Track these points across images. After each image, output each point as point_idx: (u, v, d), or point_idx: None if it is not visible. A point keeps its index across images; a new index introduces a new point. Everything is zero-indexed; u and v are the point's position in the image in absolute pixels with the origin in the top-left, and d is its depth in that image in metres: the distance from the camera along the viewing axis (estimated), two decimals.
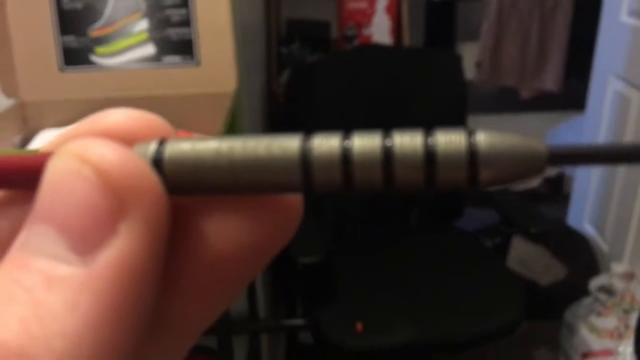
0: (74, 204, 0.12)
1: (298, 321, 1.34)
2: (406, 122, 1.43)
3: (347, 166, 0.12)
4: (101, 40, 0.96)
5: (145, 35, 0.95)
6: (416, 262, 1.33)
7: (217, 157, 0.13)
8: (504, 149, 0.12)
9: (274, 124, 1.55)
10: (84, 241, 0.11)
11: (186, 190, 0.13)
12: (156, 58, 0.95)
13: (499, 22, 2.19)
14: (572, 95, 2.08)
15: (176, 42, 0.94)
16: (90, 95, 0.96)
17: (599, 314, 1.37)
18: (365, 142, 0.12)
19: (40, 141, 0.93)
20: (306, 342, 1.41)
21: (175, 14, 0.93)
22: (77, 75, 0.96)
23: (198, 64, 0.94)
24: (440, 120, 1.44)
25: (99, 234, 0.11)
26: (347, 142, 0.13)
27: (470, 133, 0.12)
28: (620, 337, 1.31)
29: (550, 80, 2.21)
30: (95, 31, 0.96)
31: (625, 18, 1.50)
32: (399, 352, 1.12)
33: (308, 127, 1.39)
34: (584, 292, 1.44)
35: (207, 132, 0.72)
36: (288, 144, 0.13)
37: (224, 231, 0.13)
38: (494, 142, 0.12)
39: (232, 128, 0.88)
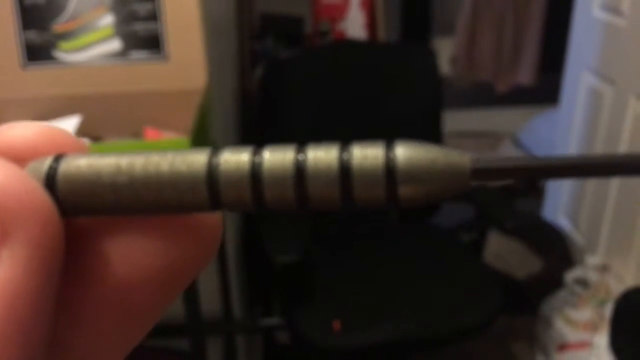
0: None
1: (275, 321, 1.33)
2: (381, 118, 1.42)
3: (256, 184, 0.12)
4: (65, 36, 0.93)
5: (110, 30, 0.92)
6: (394, 259, 1.32)
7: (116, 174, 0.12)
8: (424, 164, 0.12)
9: (248, 121, 1.52)
10: None
11: (83, 210, 0.12)
12: (122, 53, 0.92)
13: (474, 16, 2.19)
14: (546, 89, 2.10)
15: (143, 37, 0.92)
16: (54, 92, 0.93)
17: (574, 306, 1.38)
18: (276, 157, 0.12)
19: None
20: (283, 343, 1.39)
21: (142, 8, 0.91)
22: (40, 72, 0.93)
23: (166, 59, 0.92)
24: (416, 116, 1.43)
25: None
26: (257, 157, 0.12)
27: (389, 147, 0.12)
28: (595, 328, 1.32)
29: (525, 74, 2.22)
30: (58, 26, 0.93)
31: (598, 12, 1.51)
32: (377, 350, 1.11)
33: (282, 123, 1.38)
34: (559, 284, 1.45)
35: (177, 129, 0.69)
36: (194, 159, 0.12)
37: (130, 254, 0.12)
38: (413, 156, 0.12)
39: (202, 125, 0.86)
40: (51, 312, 0.11)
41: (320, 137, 1.40)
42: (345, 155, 0.12)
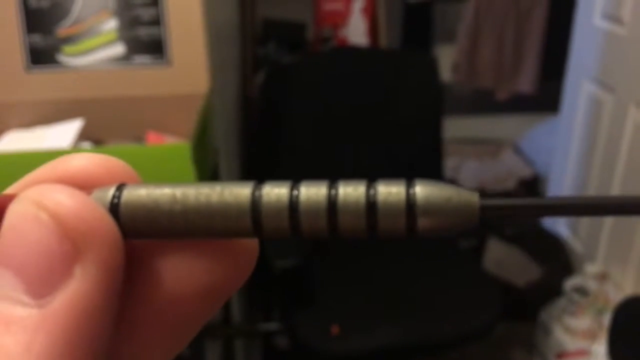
0: (31, 248, 0.12)
1: (274, 325, 1.33)
2: (382, 124, 1.42)
3: (294, 214, 0.13)
4: (69, 40, 0.94)
5: (114, 35, 0.93)
6: (393, 265, 1.33)
7: (171, 203, 0.14)
8: (440, 201, 0.13)
9: (249, 126, 1.53)
10: (40, 284, 0.12)
11: (142, 234, 0.14)
12: (126, 58, 0.93)
13: (476, 24, 2.20)
14: (547, 97, 2.10)
15: (146, 41, 0.92)
16: (58, 96, 0.93)
17: (573, 314, 1.38)
18: (311, 192, 0.13)
19: (6, 143, 0.90)
20: (283, 347, 1.39)
21: (146, 13, 0.91)
22: (44, 76, 0.94)
23: (169, 64, 0.92)
24: (417, 122, 1.44)
25: (54, 277, 0.12)
26: (295, 191, 0.13)
27: (409, 185, 0.13)
28: (594, 337, 1.32)
29: (526, 82, 2.23)
30: (62, 30, 0.94)
31: (599, 21, 1.52)
32: (375, 355, 1.12)
33: (284, 129, 1.38)
34: (558, 292, 1.45)
35: (179, 133, 0.69)
36: (239, 191, 0.14)
37: (179, 273, 0.14)
38: (430, 194, 0.13)
39: (204, 130, 0.86)
40: (113, 325, 0.13)
41: (321, 142, 1.40)
42: (371, 191, 0.13)
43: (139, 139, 0.91)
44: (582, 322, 1.35)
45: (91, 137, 0.91)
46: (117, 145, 0.91)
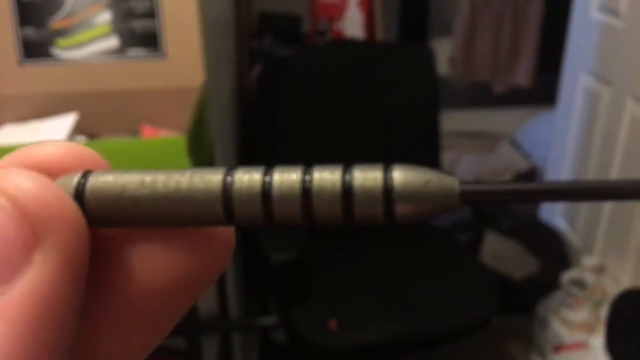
0: None
1: (271, 319, 1.32)
2: (379, 118, 1.41)
3: (266, 200, 0.13)
4: (62, 33, 0.93)
5: (108, 27, 0.92)
6: (390, 259, 1.32)
7: (139, 189, 0.13)
8: (419, 186, 0.13)
9: (245, 119, 1.52)
10: None
11: (109, 221, 0.13)
12: (120, 51, 0.92)
13: (472, 17, 2.19)
14: (544, 90, 2.10)
15: (141, 34, 0.91)
16: (51, 89, 0.92)
17: (571, 307, 1.38)
18: (284, 177, 0.13)
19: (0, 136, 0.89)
20: (280, 342, 1.39)
21: (140, 5, 0.90)
22: (37, 69, 0.93)
23: (164, 57, 0.91)
24: (413, 116, 1.43)
25: (12, 264, 0.11)
26: (267, 177, 0.13)
27: (387, 170, 0.13)
28: (591, 329, 1.32)
29: (523, 75, 2.22)
30: (56, 23, 0.93)
31: (596, 14, 1.51)
32: (373, 349, 1.11)
33: (280, 122, 1.38)
34: (555, 285, 1.45)
35: (174, 127, 0.68)
36: (210, 177, 0.13)
37: (150, 263, 0.13)
38: (408, 178, 0.13)
39: (199, 123, 0.85)
40: (77, 315, 0.12)
41: (317, 136, 1.40)
42: (347, 177, 0.13)
43: (134, 132, 0.90)
44: (579, 314, 1.35)
45: (85, 130, 0.90)
46: (111, 139, 0.90)
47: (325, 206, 0.13)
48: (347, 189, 0.13)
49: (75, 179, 0.13)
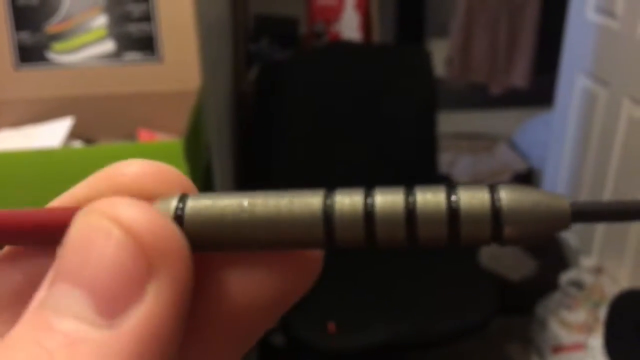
0: (104, 265, 0.12)
1: None
2: (376, 119, 1.41)
3: (370, 224, 0.13)
4: (58, 37, 0.92)
5: (104, 31, 0.92)
6: (388, 260, 1.32)
7: (238, 214, 0.13)
8: (528, 207, 0.12)
9: (242, 123, 1.52)
10: (112, 303, 0.11)
11: (208, 246, 0.13)
12: (116, 55, 0.92)
13: (469, 18, 2.19)
14: (541, 91, 2.10)
15: (137, 38, 0.91)
16: (47, 94, 0.92)
17: (569, 308, 1.38)
18: (387, 199, 0.13)
19: None
20: (278, 344, 1.39)
21: (136, 9, 0.90)
22: (33, 73, 0.92)
23: (160, 60, 0.91)
24: (411, 117, 1.43)
25: (127, 297, 0.11)
26: (370, 200, 0.13)
27: (493, 189, 0.12)
28: (590, 330, 1.32)
29: (520, 76, 2.22)
30: (51, 27, 0.92)
31: (592, 15, 1.52)
32: (372, 352, 1.11)
33: (277, 125, 1.37)
34: (554, 286, 1.45)
35: (171, 131, 0.68)
36: (311, 200, 0.13)
37: (245, 286, 0.14)
38: (517, 199, 0.12)
39: (196, 127, 0.85)
40: (180, 338, 0.12)
41: (315, 139, 1.39)
42: (453, 198, 0.12)
43: (131, 136, 0.90)
44: (577, 315, 1.35)
45: (82, 135, 0.90)
46: (108, 143, 0.90)
47: (431, 229, 0.12)
48: (453, 211, 0.12)
49: (174, 203, 0.13)
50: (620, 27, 1.39)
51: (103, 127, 0.91)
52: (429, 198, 0.12)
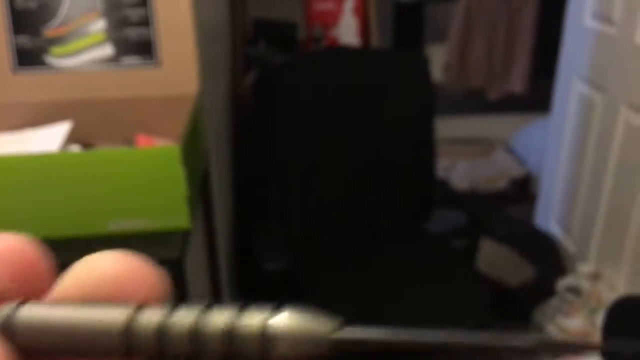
0: None
1: None
2: (373, 124, 1.41)
3: (162, 338, 0.14)
4: (57, 41, 0.92)
5: (102, 36, 0.92)
6: (386, 265, 1.32)
7: (66, 321, 0.14)
8: (295, 333, 0.14)
9: (240, 127, 1.52)
10: None
11: (39, 351, 0.14)
12: (114, 59, 0.92)
13: (466, 24, 2.20)
14: (538, 96, 2.11)
15: (135, 42, 0.91)
16: (45, 98, 0.92)
17: (566, 314, 1.38)
18: (181, 317, 0.15)
19: None
20: None
21: (134, 14, 0.90)
22: (31, 77, 0.92)
23: (158, 65, 0.91)
24: (409, 122, 1.43)
25: None
26: (167, 318, 0.15)
27: (271, 314, 0.15)
28: (587, 336, 1.32)
29: (517, 81, 2.23)
30: (50, 31, 0.92)
31: (589, 21, 1.52)
32: (368, 356, 1.11)
33: (275, 129, 1.37)
34: (551, 292, 1.45)
35: (169, 135, 0.68)
36: (113, 313, 0.15)
37: None
38: (287, 324, 0.14)
39: (194, 131, 0.85)
40: None
41: (313, 143, 1.39)
42: (231, 320, 0.14)
43: (128, 141, 0.90)
44: (575, 321, 1.35)
45: (80, 139, 0.90)
46: (106, 148, 0.89)
47: (210, 347, 0.14)
48: (229, 333, 0.14)
49: (4, 311, 0.14)
50: (617, 33, 1.39)
51: (101, 131, 0.91)
52: (214, 319, 0.14)
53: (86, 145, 0.90)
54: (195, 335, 0.14)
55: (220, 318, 0.15)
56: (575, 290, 1.40)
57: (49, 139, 0.86)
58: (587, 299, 1.37)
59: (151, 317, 0.15)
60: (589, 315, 1.34)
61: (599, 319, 1.27)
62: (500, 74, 2.25)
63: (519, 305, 1.51)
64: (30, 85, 0.92)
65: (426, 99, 1.44)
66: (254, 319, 0.14)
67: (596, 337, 1.26)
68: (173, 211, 0.74)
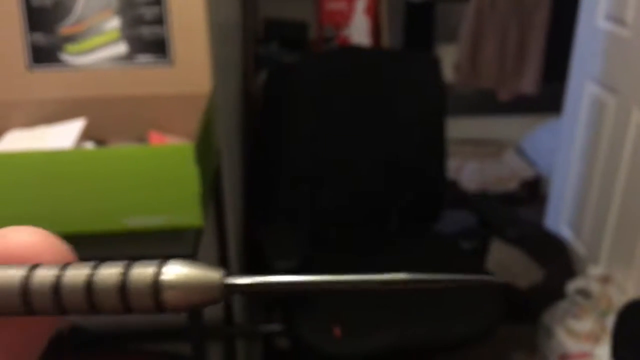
0: None
1: (275, 326, 1.32)
2: (384, 124, 1.41)
3: (57, 293, 0.15)
4: (71, 38, 0.93)
5: (117, 34, 0.92)
6: (394, 266, 1.32)
7: None
8: (184, 281, 0.15)
9: (251, 125, 1.52)
10: None
11: None
12: (128, 57, 0.92)
13: (478, 24, 2.19)
14: (549, 98, 2.10)
15: (149, 40, 0.92)
16: (60, 95, 0.93)
17: (576, 317, 1.37)
18: (74, 273, 0.15)
19: (7, 142, 0.89)
20: (283, 348, 1.39)
21: (148, 12, 0.91)
22: (46, 75, 0.93)
23: (172, 63, 0.92)
24: (419, 122, 1.43)
25: None
26: (61, 273, 0.15)
27: (161, 264, 0.15)
28: (596, 339, 1.32)
29: (528, 83, 2.22)
30: (65, 29, 0.93)
31: (602, 22, 1.51)
32: (377, 356, 1.11)
33: (286, 128, 1.38)
34: (561, 295, 1.45)
35: (182, 133, 0.68)
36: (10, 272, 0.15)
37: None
38: (176, 274, 0.15)
39: (207, 129, 0.85)
40: None
41: (323, 143, 1.40)
42: (124, 272, 0.15)
43: (141, 139, 0.91)
44: (584, 324, 1.34)
45: (93, 136, 0.91)
46: (119, 145, 0.90)
47: (105, 298, 0.15)
48: (122, 284, 0.15)
49: None
50: (630, 35, 1.38)
51: (115, 128, 0.92)
52: (106, 272, 0.15)
53: (100, 142, 0.91)
54: (90, 289, 0.15)
55: (112, 272, 0.15)
56: (585, 293, 1.40)
57: (63, 135, 0.87)
58: (597, 302, 1.37)
59: (46, 273, 0.15)
60: (599, 318, 1.34)
61: (609, 322, 1.27)
62: (511, 74, 2.24)
63: (529, 307, 1.51)
64: (45, 82, 0.93)
65: (437, 99, 1.44)
66: (145, 271, 0.15)
67: (605, 340, 1.25)
68: (186, 209, 0.74)
